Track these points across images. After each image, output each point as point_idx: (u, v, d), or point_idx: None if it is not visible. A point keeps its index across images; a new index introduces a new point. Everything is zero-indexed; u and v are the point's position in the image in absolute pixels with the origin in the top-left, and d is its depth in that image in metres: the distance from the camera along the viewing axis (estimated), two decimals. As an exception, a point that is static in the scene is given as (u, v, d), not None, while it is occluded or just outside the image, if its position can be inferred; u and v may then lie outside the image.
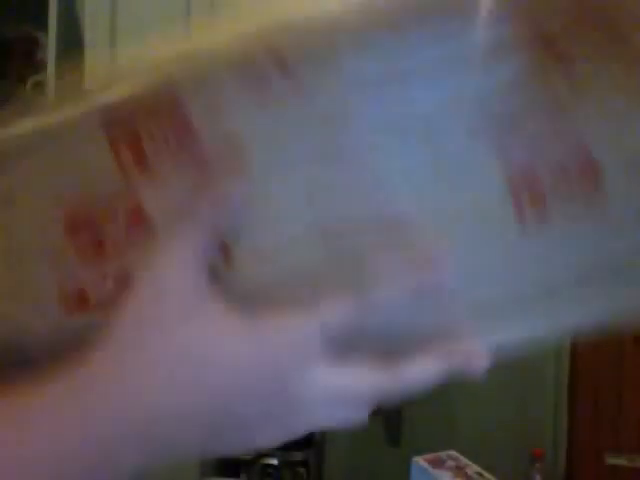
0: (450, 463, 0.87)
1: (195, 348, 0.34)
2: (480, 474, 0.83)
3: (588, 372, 1.74)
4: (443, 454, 0.89)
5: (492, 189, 0.37)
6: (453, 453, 0.90)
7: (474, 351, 0.39)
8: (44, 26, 1.56)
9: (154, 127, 0.38)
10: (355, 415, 0.36)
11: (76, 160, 0.40)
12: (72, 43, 1.67)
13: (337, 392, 0.35)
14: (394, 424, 1.94)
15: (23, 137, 0.40)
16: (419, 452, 0.90)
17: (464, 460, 0.88)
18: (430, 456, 0.88)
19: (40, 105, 0.44)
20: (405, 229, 0.37)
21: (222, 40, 0.42)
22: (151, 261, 0.35)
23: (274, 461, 1.83)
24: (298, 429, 0.36)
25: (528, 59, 0.38)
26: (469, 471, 0.84)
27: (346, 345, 0.36)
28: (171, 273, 0.35)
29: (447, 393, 2.03)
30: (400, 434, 2.00)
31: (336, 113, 0.37)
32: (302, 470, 1.83)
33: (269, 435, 0.35)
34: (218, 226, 0.36)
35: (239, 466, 1.86)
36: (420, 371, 0.37)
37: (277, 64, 0.37)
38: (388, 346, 0.37)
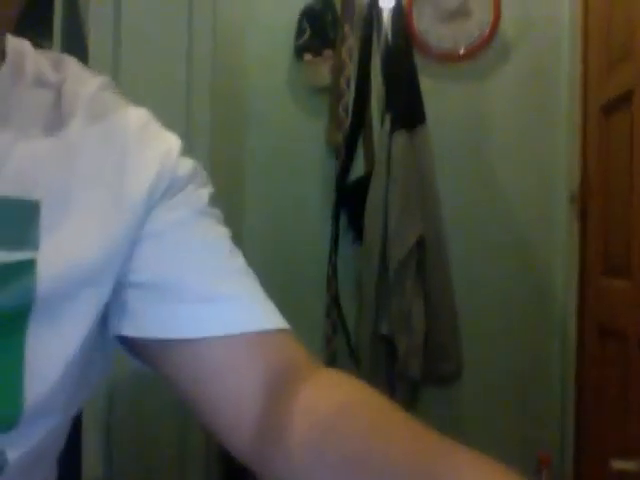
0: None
1: None
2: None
3: (595, 377, 1.74)
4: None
5: None
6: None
7: None
8: (49, 34, 1.56)
9: None
10: None
11: None
12: (76, 51, 1.67)
13: None
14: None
15: None
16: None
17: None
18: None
19: None
20: None
21: None
22: None
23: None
24: None
25: None
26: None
27: None
28: None
29: (452, 398, 2.02)
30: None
31: None
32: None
33: None
34: None
35: (246, 472, 1.84)
36: None
37: None
38: None
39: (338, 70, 1.97)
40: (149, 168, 0.60)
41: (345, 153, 1.97)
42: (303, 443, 0.51)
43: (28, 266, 0.52)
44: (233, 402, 0.56)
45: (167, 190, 0.61)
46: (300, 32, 1.99)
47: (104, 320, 0.59)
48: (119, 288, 0.58)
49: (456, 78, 2.04)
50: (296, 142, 2.05)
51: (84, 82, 0.62)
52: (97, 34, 1.56)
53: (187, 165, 0.64)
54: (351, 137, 1.96)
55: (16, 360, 0.52)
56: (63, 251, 0.54)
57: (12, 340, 0.52)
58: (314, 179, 2.06)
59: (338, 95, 1.97)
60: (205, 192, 0.65)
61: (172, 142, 0.64)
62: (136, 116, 0.64)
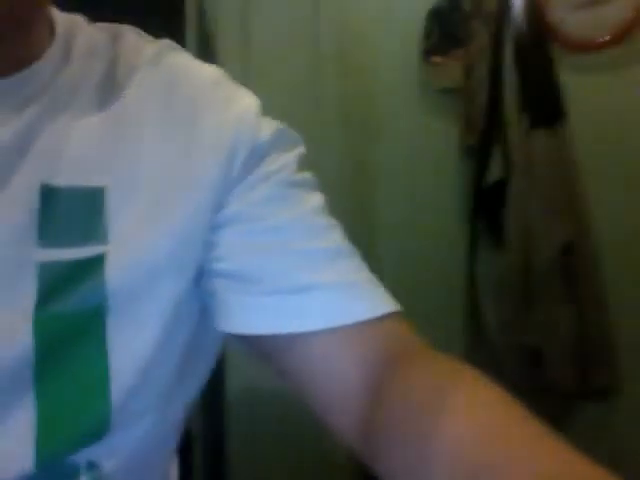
0: None
1: None
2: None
3: None
4: None
5: None
6: None
7: None
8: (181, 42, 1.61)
9: None
10: None
11: None
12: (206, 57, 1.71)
13: None
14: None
15: None
16: None
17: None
18: None
19: None
20: None
21: None
22: None
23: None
24: None
25: None
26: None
27: None
28: None
29: (610, 414, 1.87)
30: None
31: None
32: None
33: None
34: None
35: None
36: None
37: None
38: None
39: (469, 70, 1.90)
40: (223, 137, 0.53)
41: (480, 155, 1.89)
42: (415, 444, 0.43)
43: (99, 261, 0.48)
44: (334, 396, 0.50)
45: (246, 162, 0.53)
46: (427, 34, 1.94)
47: (203, 317, 0.55)
48: (206, 278, 0.53)
49: (598, 69, 1.90)
50: (427, 144, 1.99)
51: (142, 48, 0.56)
52: (225, 43, 1.60)
53: (268, 128, 0.56)
54: (486, 138, 1.88)
55: (100, 361, 0.48)
56: (132, 242, 0.49)
57: (93, 340, 0.48)
58: (447, 182, 1.99)
59: (470, 95, 1.90)
60: (292, 157, 0.56)
61: (249, 102, 0.57)
62: (205, 75, 0.57)
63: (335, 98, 1.61)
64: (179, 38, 1.63)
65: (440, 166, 1.99)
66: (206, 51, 1.57)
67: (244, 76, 1.53)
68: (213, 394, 1.62)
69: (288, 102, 1.56)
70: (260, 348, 0.53)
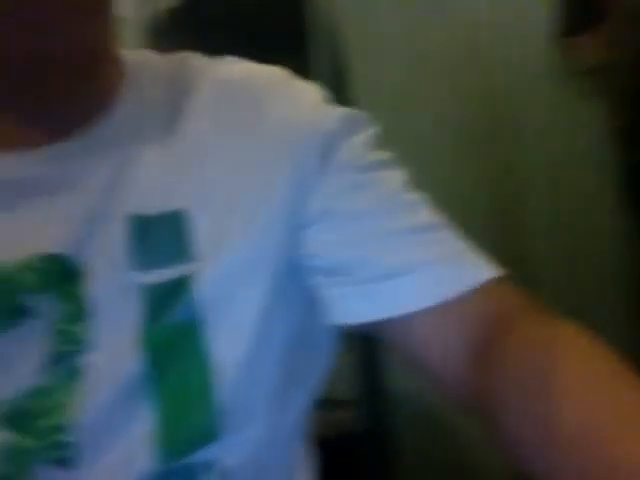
0: None
1: None
2: None
3: None
4: None
5: None
6: None
7: None
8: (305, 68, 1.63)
9: None
10: None
11: None
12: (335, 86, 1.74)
13: None
14: None
15: None
16: None
17: None
18: None
19: None
20: None
21: None
22: None
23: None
24: None
25: None
26: None
27: None
28: None
29: None
30: None
31: None
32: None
33: None
34: None
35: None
36: None
37: None
38: None
39: (609, 46, 1.78)
40: (290, 135, 0.54)
41: (628, 135, 1.76)
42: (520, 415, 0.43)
43: (188, 278, 0.51)
44: (445, 373, 0.51)
45: (318, 155, 0.54)
46: (562, 14, 1.84)
47: (308, 313, 0.56)
48: (305, 275, 0.55)
49: None
50: (573, 131, 1.89)
51: (205, 70, 0.58)
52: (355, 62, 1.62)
53: (335, 116, 0.56)
54: (634, 117, 1.75)
55: (204, 366, 0.51)
56: (216, 255, 0.52)
57: (195, 349, 0.51)
58: (598, 167, 1.87)
59: (612, 73, 1.78)
60: (363, 140, 0.56)
61: (311, 95, 0.57)
62: (264, 77, 0.58)
63: (461, 96, 1.58)
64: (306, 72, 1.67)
65: (589, 152, 1.88)
66: (337, 85, 1.59)
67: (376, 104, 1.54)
68: (376, 396, 1.62)
69: (429, 114, 1.55)
70: (375, 334, 0.55)
